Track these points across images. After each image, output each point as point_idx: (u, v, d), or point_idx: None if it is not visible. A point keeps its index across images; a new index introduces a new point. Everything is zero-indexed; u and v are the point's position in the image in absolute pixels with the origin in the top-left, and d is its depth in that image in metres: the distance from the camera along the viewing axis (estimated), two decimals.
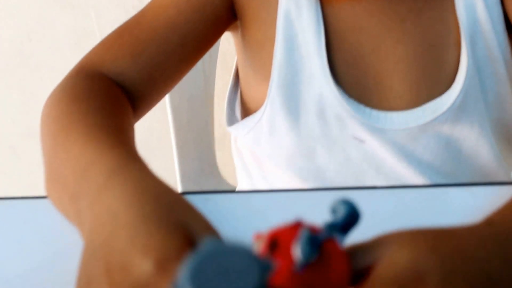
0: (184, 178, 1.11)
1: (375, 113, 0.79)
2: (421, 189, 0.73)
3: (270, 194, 0.70)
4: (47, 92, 0.69)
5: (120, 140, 0.58)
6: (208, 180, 1.14)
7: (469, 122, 0.80)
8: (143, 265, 0.44)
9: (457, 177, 0.84)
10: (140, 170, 0.53)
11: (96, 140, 0.57)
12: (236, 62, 0.91)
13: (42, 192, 0.65)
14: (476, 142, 0.82)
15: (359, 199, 0.61)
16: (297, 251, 0.39)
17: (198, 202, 0.64)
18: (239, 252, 0.36)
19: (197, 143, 1.12)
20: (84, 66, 0.75)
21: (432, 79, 0.79)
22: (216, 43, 1.10)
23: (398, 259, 0.43)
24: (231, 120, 0.91)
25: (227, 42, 1.17)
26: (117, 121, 0.64)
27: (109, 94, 0.69)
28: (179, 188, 1.13)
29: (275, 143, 0.84)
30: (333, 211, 0.42)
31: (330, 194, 0.66)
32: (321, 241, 0.40)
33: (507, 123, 0.84)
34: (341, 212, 0.42)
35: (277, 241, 0.40)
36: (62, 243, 0.59)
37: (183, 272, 0.36)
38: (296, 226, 0.41)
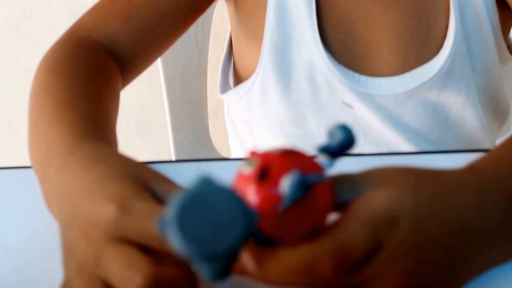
0: (178, 150, 1.12)
1: (363, 78, 0.80)
2: (406, 155, 0.73)
3: (281, 148, 0.70)
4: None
5: (81, 116, 0.59)
6: (201, 152, 1.15)
7: (456, 89, 0.80)
8: (108, 211, 0.45)
9: (443, 143, 0.85)
10: (93, 144, 0.54)
11: (60, 120, 0.58)
12: (230, 31, 0.92)
13: None
14: (462, 109, 0.82)
15: (347, 165, 0.63)
16: (285, 189, 0.40)
17: (190, 170, 0.66)
18: (228, 198, 0.37)
19: (191, 116, 1.13)
20: (75, 30, 0.75)
21: (420, 45, 0.79)
22: (209, 18, 1.12)
23: (376, 200, 0.43)
24: (224, 88, 0.92)
25: (220, 17, 1.18)
26: (94, 90, 0.65)
27: (93, 63, 0.70)
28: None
29: (266, 109, 0.85)
30: (330, 134, 0.42)
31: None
32: (311, 183, 0.40)
33: (494, 91, 0.85)
34: (338, 136, 0.42)
35: (267, 170, 0.40)
36: None
37: (171, 208, 0.37)
38: (290, 156, 0.41)
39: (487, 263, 0.48)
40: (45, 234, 0.57)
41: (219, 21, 1.13)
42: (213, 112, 1.23)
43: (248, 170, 0.41)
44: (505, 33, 0.82)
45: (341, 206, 0.45)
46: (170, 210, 0.37)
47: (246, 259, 0.42)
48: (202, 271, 0.38)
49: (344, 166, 0.64)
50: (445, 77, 0.79)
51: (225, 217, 0.36)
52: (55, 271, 0.50)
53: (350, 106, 0.82)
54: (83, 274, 0.46)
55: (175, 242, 0.36)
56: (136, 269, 0.43)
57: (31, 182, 0.61)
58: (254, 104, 0.86)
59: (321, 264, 0.41)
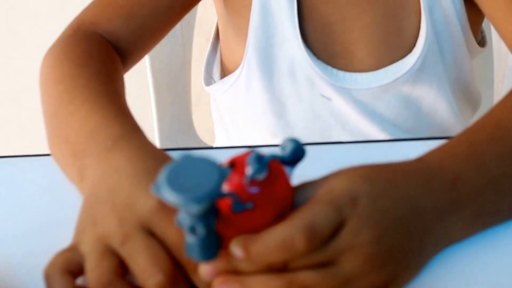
0: (162, 137, 1.14)
1: (341, 73, 0.85)
2: (382, 143, 0.78)
3: (245, 150, 0.73)
4: (30, 57, 0.71)
5: (122, 109, 0.64)
6: (185, 139, 1.18)
7: (428, 83, 0.85)
8: (148, 203, 0.50)
9: (417, 133, 0.90)
10: (142, 138, 0.59)
11: (101, 107, 0.62)
12: (216, 25, 0.96)
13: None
14: (434, 100, 0.87)
15: (325, 153, 0.64)
16: (248, 168, 0.46)
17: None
18: (205, 162, 0.44)
19: (175, 105, 1.16)
20: (80, 25, 0.78)
21: (393, 45, 0.84)
22: (194, 11, 1.13)
23: (335, 185, 0.49)
24: (208, 81, 0.97)
25: (203, 8, 1.20)
26: (116, 87, 0.69)
27: (106, 58, 0.73)
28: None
29: (250, 101, 0.90)
30: (282, 147, 0.49)
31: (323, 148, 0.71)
32: (267, 160, 0.46)
33: (465, 82, 0.90)
34: (289, 148, 0.48)
35: (234, 164, 0.48)
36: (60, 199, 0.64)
37: (161, 174, 0.44)
38: (249, 152, 0.48)
39: (445, 237, 0.53)
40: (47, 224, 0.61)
41: (202, 13, 1.15)
42: (195, 101, 1.26)
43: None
44: (475, 28, 0.87)
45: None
46: (161, 174, 0.44)
47: (234, 248, 0.46)
48: (192, 222, 0.45)
49: (325, 153, 0.66)
50: (418, 73, 0.84)
51: (204, 173, 0.44)
52: None
53: (328, 99, 0.86)
54: (99, 243, 0.50)
55: (167, 196, 0.43)
56: (161, 267, 0.48)
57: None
58: (239, 95, 0.91)
59: (296, 239, 0.45)
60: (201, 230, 0.45)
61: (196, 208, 0.43)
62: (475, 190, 0.53)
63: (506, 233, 0.55)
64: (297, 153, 0.48)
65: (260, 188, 0.47)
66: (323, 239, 0.47)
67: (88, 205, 0.54)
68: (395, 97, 0.86)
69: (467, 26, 0.85)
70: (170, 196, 0.43)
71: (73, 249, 0.51)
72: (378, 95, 0.86)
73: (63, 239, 0.53)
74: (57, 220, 0.60)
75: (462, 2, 0.82)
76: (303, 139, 0.87)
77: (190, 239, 0.46)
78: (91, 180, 0.56)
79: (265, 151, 0.47)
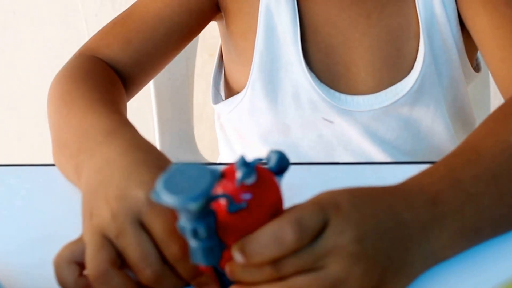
0: (163, 152, 1.12)
1: (343, 96, 0.86)
2: (381, 165, 0.78)
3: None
4: (29, 64, 0.73)
5: (115, 110, 0.67)
6: (186, 154, 1.17)
7: (426, 104, 0.87)
8: (138, 195, 0.52)
9: (416, 154, 0.91)
10: (133, 132, 0.61)
11: (94, 110, 0.66)
12: (220, 45, 0.96)
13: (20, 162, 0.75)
14: (432, 122, 0.88)
15: (329, 172, 0.65)
16: (237, 173, 0.49)
17: None
18: (197, 167, 0.47)
19: (177, 120, 1.15)
20: (82, 52, 0.82)
21: (394, 67, 0.85)
22: None
23: (320, 195, 0.52)
24: (216, 99, 0.97)
25: (207, 26, 1.19)
26: (112, 96, 0.73)
27: (105, 75, 0.77)
28: None
29: (254, 121, 0.91)
30: (267, 159, 0.51)
31: (303, 168, 0.72)
32: (254, 164, 0.49)
33: (461, 105, 0.91)
34: (273, 159, 0.51)
35: (224, 174, 0.50)
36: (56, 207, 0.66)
37: (158, 181, 0.47)
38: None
39: (431, 252, 0.54)
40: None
41: (205, 28, 1.14)
42: (197, 116, 1.25)
43: None
44: (471, 54, 0.89)
45: None
46: (158, 181, 0.47)
47: (235, 253, 0.49)
48: (191, 222, 0.47)
49: (326, 173, 0.67)
50: (416, 95, 0.85)
51: (197, 176, 0.46)
52: None
53: (330, 122, 0.88)
54: (97, 235, 0.52)
55: (166, 199, 0.46)
56: (149, 262, 0.51)
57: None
58: (243, 116, 0.92)
59: (285, 232, 0.48)
60: (202, 231, 0.47)
61: (194, 206, 0.46)
62: (454, 207, 0.55)
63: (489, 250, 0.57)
64: (281, 162, 0.51)
65: (252, 193, 0.49)
66: (310, 235, 0.49)
67: (85, 198, 0.57)
68: (395, 119, 0.88)
69: (463, 51, 0.86)
70: (169, 199, 0.46)
71: (79, 241, 0.53)
72: (379, 117, 0.87)
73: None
74: (61, 230, 0.61)
75: (459, 27, 0.84)
76: (308, 157, 0.91)
77: (193, 243, 0.48)
78: (86, 174, 0.59)
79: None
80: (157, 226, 0.52)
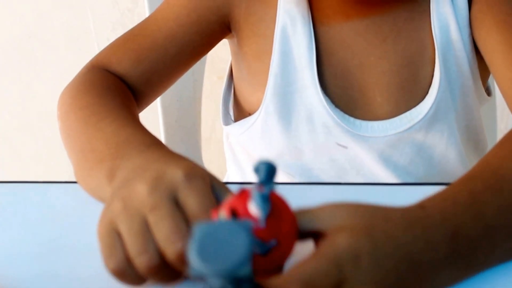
0: None
1: (358, 122, 0.83)
2: (392, 186, 0.77)
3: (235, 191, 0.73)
4: (44, 86, 0.73)
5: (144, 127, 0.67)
6: None
7: (440, 130, 0.84)
8: (175, 173, 0.53)
9: (428, 180, 0.88)
10: (168, 149, 0.60)
11: (131, 125, 0.66)
12: (230, 64, 0.94)
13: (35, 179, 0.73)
14: (445, 149, 0.86)
15: (340, 194, 0.63)
16: (255, 210, 0.46)
17: None
18: (226, 225, 0.43)
19: (185, 142, 1.14)
20: (93, 65, 0.81)
21: (409, 92, 0.83)
22: None
23: (339, 241, 0.47)
24: (226, 120, 0.95)
25: (216, 47, 1.19)
26: (134, 111, 0.74)
27: (121, 91, 0.77)
28: None
29: (266, 144, 0.88)
30: (256, 171, 0.47)
31: (314, 188, 0.71)
32: (269, 194, 0.46)
33: (474, 130, 0.89)
34: (262, 169, 0.47)
35: (235, 210, 0.47)
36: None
37: (191, 251, 0.42)
38: (242, 193, 0.48)
39: (435, 285, 0.52)
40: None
41: (214, 50, 1.15)
42: (206, 139, 1.24)
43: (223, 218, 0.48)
44: (483, 78, 0.87)
45: (302, 236, 0.50)
46: (191, 251, 0.42)
47: None
48: None
49: (338, 193, 0.64)
50: (431, 120, 0.83)
51: (231, 237, 0.42)
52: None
53: (344, 147, 0.85)
54: (129, 207, 0.52)
55: (204, 271, 0.42)
56: (181, 236, 0.49)
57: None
58: (255, 138, 0.89)
59: None
60: None
61: (244, 272, 0.42)
62: (472, 243, 0.52)
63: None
64: (271, 171, 0.48)
65: (269, 222, 0.47)
66: None
67: (116, 190, 0.56)
68: (409, 145, 0.85)
69: (478, 76, 0.84)
70: (208, 270, 0.42)
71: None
72: (393, 143, 0.84)
73: (74, 263, 0.57)
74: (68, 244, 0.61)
75: (474, 52, 0.82)
76: (319, 180, 0.88)
77: None
78: (123, 175, 0.57)
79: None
80: (192, 202, 0.51)
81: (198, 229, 0.43)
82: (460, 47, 0.81)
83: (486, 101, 0.90)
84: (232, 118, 0.95)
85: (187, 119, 1.14)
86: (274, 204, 0.47)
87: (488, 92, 0.91)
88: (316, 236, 0.50)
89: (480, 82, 0.86)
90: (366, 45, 0.82)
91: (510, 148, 0.61)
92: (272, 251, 0.46)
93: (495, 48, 0.77)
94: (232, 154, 0.99)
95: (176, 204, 0.52)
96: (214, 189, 0.53)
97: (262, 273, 0.47)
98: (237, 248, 0.42)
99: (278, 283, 0.45)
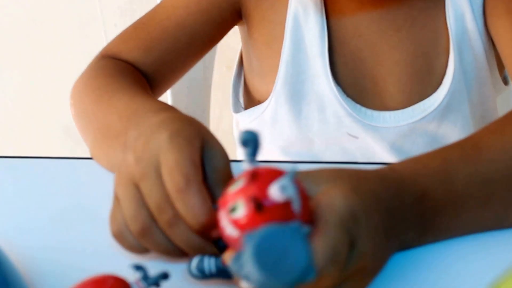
0: None
1: (369, 112, 0.82)
2: None
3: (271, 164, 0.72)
4: (49, 71, 0.72)
5: (152, 95, 0.67)
6: None
7: (453, 121, 0.82)
8: (160, 137, 0.51)
9: None
10: (178, 111, 0.58)
11: (141, 96, 0.65)
12: (240, 52, 0.92)
13: None
14: (458, 139, 0.84)
15: None
16: (282, 195, 0.41)
17: None
18: (276, 232, 0.40)
19: None
20: (103, 55, 0.80)
21: (422, 82, 0.81)
22: None
23: (337, 204, 0.46)
24: (236, 107, 0.93)
25: (226, 36, 1.18)
26: (145, 87, 0.73)
27: (136, 74, 0.76)
28: None
29: (276, 133, 0.86)
30: (244, 143, 0.45)
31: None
32: (294, 175, 0.43)
33: (489, 119, 0.87)
34: (250, 142, 0.44)
35: (258, 200, 0.42)
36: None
37: (245, 252, 0.40)
38: (255, 175, 0.44)
39: (403, 244, 0.53)
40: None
41: (224, 40, 1.13)
42: (214, 127, 1.23)
43: (236, 187, 0.44)
44: (501, 67, 0.85)
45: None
46: (246, 250, 0.40)
47: None
48: None
49: None
50: (444, 111, 0.81)
51: (288, 246, 0.40)
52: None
53: (355, 137, 0.83)
54: (130, 186, 0.51)
55: (253, 275, 0.39)
56: (169, 205, 0.49)
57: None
58: (265, 127, 0.87)
59: (325, 271, 0.43)
60: None
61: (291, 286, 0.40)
62: (438, 207, 0.53)
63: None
64: (257, 139, 0.45)
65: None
66: (344, 262, 0.45)
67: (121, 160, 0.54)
68: (421, 136, 0.83)
69: (494, 66, 0.82)
70: (258, 276, 0.39)
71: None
72: (405, 133, 0.82)
73: (84, 233, 0.59)
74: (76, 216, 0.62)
75: (490, 42, 0.80)
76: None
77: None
78: (129, 144, 0.55)
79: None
80: (167, 161, 0.49)
81: (249, 240, 0.40)
82: (476, 37, 0.79)
83: (503, 90, 0.88)
84: (242, 106, 0.93)
85: (197, 106, 1.12)
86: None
87: (506, 81, 0.89)
88: None
89: (497, 72, 0.84)
90: (379, 34, 0.80)
91: (500, 124, 0.60)
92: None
93: (505, 35, 0.76)
94: None
95: None
96: (206, 153, 0.52)
97: None
98: (297, 255, 0.40)
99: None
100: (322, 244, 0.43)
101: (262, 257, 0.39)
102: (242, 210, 0.42)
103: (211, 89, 1.14)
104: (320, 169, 0.50)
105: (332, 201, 0.46)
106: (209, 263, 0.48)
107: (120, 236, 0.51)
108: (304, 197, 0.44)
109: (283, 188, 0.41)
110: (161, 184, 0.49)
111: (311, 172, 0.50)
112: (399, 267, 0.53)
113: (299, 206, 0.42)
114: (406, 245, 0.54)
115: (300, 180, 0.46)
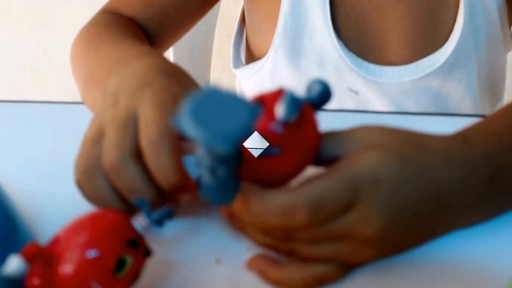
0: None
1: (371, 66, 0.78)
2: (413, 115, 0.72)
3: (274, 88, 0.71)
4: (56, 39, 0.72)
5: (143, 43, 0.65)
6: None
7: (458, 78, 0.79)
8: (143, 93, 0.48)
9: None
10: (163, 56, 0.56)
11: (125, 42, 0.64)
12: (242, 8, 0.90)
13: None
14: (461, 97, 0.81)
15: (362, 121, 0.59)
16: (280, 109, 0.40)
17: None
18: (234, 98, 0.37)
19: None
20: (104, 10, 0.79)
21: (428, 38, 0.77)
22: (216, 6, 1.11)
23: (363, 160, 0.42)
24: (237, 63, 0.90)
25: (227, 5, 1.18)
26: (140, 38, 0.71)
27: (133, 27, 0.74)
28: None
29: (276, 87, 0.85)
30: (308, 89, 0.42)
31: (335, 115, 0.67)
32: (301, 103, 0.40)
33: (495, 77, 0.84)
34: (316, 89, 0.42)
35: (262, 102, 0.41)
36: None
37: (185, 104, 0.37)
38: (279, 91, 0.43)
39: (452, 227, 0.48)
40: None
41: (225, 8, 1.13)
42: None
43: None
44: (510, 23, 0.81)
45: (326, 162, 0.44)
46: (185, 106, 0.37)
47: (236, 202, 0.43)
48: (213, 160, 0.39)
49: (360, 122, 0.62)
50: (450, 68, 0.77)
51: (233, 110, 0.37)
52: None
53: (355, 92, 0.80)
54: (120, 121, 0.47)
55: (190, 130, 0.36)
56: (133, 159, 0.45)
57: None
58: (264, 82, 0.85)
59: (297, 211, 0.41)
60: (221, 172, 0.39)
61: (222, 149, 0.37)
62: (507, 188, 0.47)
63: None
64: (324, 95, 0.42)
65: (287, 130, 0.41)
66: (327, 218, 0.42)
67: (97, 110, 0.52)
68: (424, 92, 0.80)
69: (506, 23, 0.78)
70: (193, 131, 0.36)
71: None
72: (408, 90, 0.79)
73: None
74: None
75: None
76: None
77: (208, 180, 0.40)
78: (109, 91, 0.52)
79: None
80: (149, 110, 0.46)
81: (206, 89, 0.37)
82: None
83: (511, 48, 0.84)
84: (244, 62, 0.91)
85: (198, 69, 1.12)
86: (302, 118, 0.41)
87: None
88: None
89: (508, 30, 0.80)
90: None
91: None
92: (270, 158, 0.41)
93: None
94: None
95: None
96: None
97: (251, 177, 0.42)
98: (231, 123, 0.36)
99: (282, 200, 0.41)
100: (314, 186, 0.41)
101: (202, 108, 0.36)
102: None
103: (211, 55, 1.15)
104: (372, 126, 0.45)
105: (363, 157, 0.42)
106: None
107: (81, 182, 0.47)
108: (308, 132, 0.42)
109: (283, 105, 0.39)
110: (132, 134, 0.45)
111: (361, 128, 0.45)
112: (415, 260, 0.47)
113: (281, 127, 0.41)
114: (460, 227, 0.48)
115: (342, 137, 0.43)
